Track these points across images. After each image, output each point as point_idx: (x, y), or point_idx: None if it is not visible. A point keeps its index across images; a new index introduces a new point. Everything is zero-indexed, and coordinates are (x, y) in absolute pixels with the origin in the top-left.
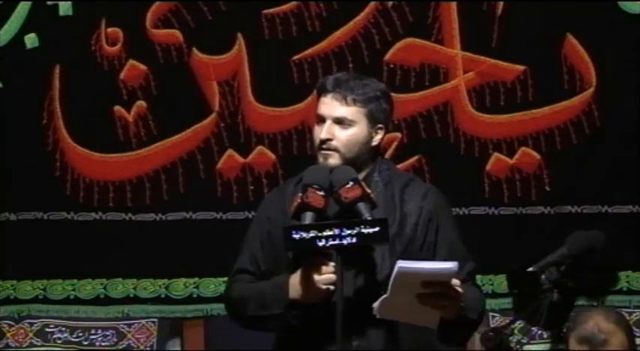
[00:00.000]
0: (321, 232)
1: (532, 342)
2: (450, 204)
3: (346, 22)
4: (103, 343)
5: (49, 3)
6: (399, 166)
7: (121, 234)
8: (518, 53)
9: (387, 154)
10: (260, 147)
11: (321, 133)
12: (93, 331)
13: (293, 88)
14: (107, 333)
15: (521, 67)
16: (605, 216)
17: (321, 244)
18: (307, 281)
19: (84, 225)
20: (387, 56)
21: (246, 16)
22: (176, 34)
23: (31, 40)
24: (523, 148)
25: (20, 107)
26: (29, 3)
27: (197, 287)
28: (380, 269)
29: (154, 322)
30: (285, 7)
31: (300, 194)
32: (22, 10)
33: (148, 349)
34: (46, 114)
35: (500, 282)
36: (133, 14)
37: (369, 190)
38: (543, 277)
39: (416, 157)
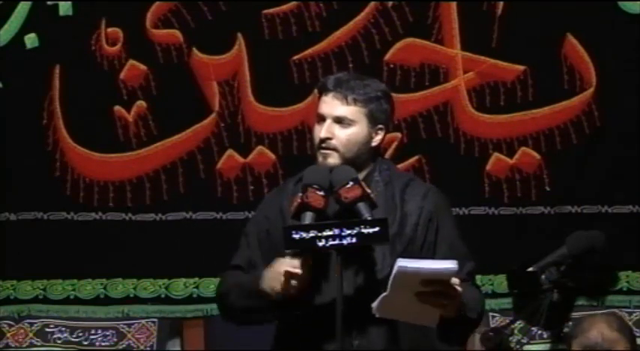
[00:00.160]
0: (321, 232)
1: (532, 342)
2: (450, 204)
3: (346, 22)
4: (103, 343)
5: (49, 3)
6: (399, 166)
7: (121, 234)
8: (518, 53)
9: (387, 154)
10: (260, 147)
11: (321, 131)
12: (93, 331)
13: (293, 88)
14: (107, 333)
15: (521, 67)
16: (605, 216)
17: (321, 244)
18: (271, 272)
19: (84, 225)
20: (387, 56)
21: (246, 16)
22: (176, 34)
23: (31, 40)
24: (523, 148)
25: (20, 107)
26: (29, 3)
27: (197, 287)
28: (380, 269)
29: (154, 322)
30: (285, 7)
31: (300, 194)
32: (22, 10)
33: (148, 349)
34: (46, 114)
35: (500, 282)
36: (133, 14)
37: (369, 190)
38: (543, 277)
39: (416, 157)
